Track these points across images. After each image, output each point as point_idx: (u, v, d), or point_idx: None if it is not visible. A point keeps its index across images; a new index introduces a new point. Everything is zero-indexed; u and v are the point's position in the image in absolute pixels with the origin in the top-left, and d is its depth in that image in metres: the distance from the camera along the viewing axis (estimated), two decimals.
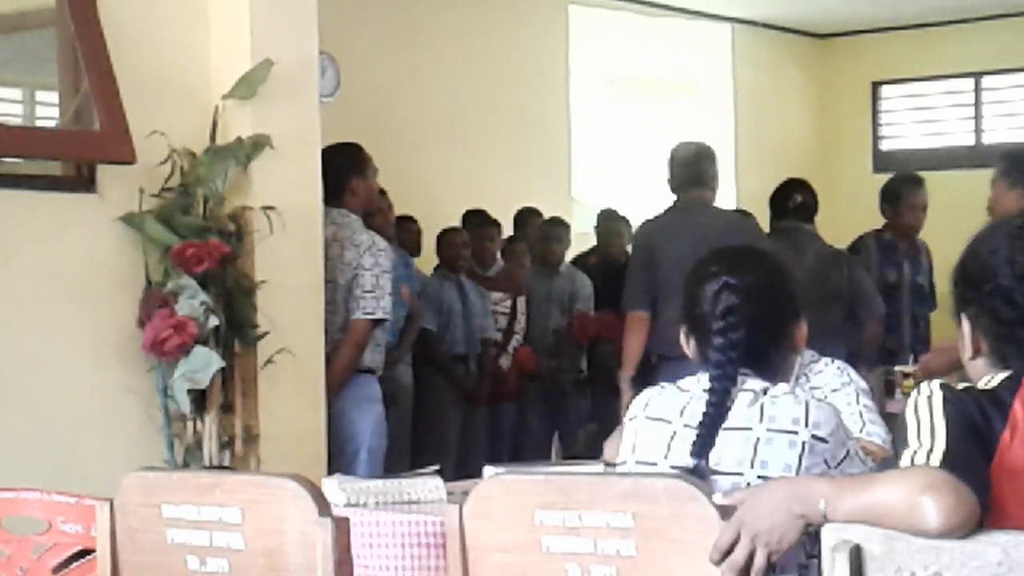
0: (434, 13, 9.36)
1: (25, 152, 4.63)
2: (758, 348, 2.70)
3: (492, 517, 2.50)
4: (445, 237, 7.51)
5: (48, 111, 5.17)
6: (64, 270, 4.57)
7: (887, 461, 3.12)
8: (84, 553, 2.90)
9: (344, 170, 5.40)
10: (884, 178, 12.05)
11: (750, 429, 2.61)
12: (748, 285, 2.70)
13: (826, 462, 2.60)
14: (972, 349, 2.18)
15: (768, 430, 2.60)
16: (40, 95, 5.22)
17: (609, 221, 8.58)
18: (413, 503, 3.25)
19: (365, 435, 5.33)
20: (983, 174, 9.74)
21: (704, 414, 2.65)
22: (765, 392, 2.67)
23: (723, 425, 2.63)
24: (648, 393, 2.82)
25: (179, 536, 2.64)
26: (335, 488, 3.23)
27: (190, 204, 4.69)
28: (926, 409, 2.09)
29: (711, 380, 2.67)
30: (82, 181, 4.63)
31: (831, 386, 3.60)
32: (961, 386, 2.13)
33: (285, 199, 4.82)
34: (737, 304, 2.67)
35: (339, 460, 5.19)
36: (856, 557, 1.91)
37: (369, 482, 3.30)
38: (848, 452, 2.65)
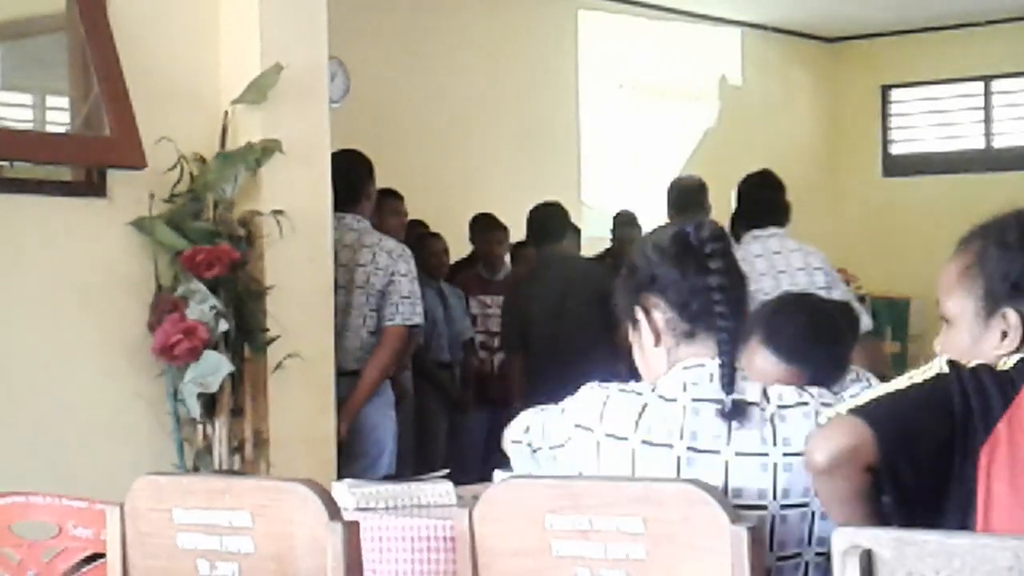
0: (444, 18, 9.37)
1: (35, 157, 4.64)
2: (732, 305, 2.63)
3: (502, 521, 2.50)
4: (426, 244, 7.42)
5: (58, 116, 5.18)
6: (74, 275, 4.58)
7: None
8: (95, 557, 2.91)
9: (361, 175, 5.49)
10: (895, 182, 12.15)
11: (767, 455, 2.50)
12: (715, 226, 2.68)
13: None
14: (1018, 341, 2.18)
15: (784, 455, 2.50)
16: (50, 100, 5.23)
17: (626, 225, 8.59)
18: (423, 507, 3.25)
19: (387, 440, 5.38)
20: (993, 177, 9.75)
21: (721, 343, 2.54)
22: (767, 398, 2.56)
23: (737, 450, 2.50)
24: (594, 403, 2.59)
25: (189, 540, 2.64)
26: (345, 492, 3.23)
27: (200, 209, 4.70)
28: (906, 377, 2.11)
29: (718, 305, 2.56)
30: (92, 186, 4.64)
31: (851, 392, 3.61)
32: (974, 363, 2.13)
33: (295, 204, 4.83)
34: (720, 232, 2.63)
35: (359, 463, 5.22)
36: (867, 562, 1.91)
37: (379, 486, 3.30)
38: None
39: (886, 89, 12.40)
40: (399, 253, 5.40)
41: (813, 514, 2.50)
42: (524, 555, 2.46)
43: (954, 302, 2.24)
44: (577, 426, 2.60)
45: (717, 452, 2.51)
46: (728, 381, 2.52)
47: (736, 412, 2.50)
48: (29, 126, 5.08)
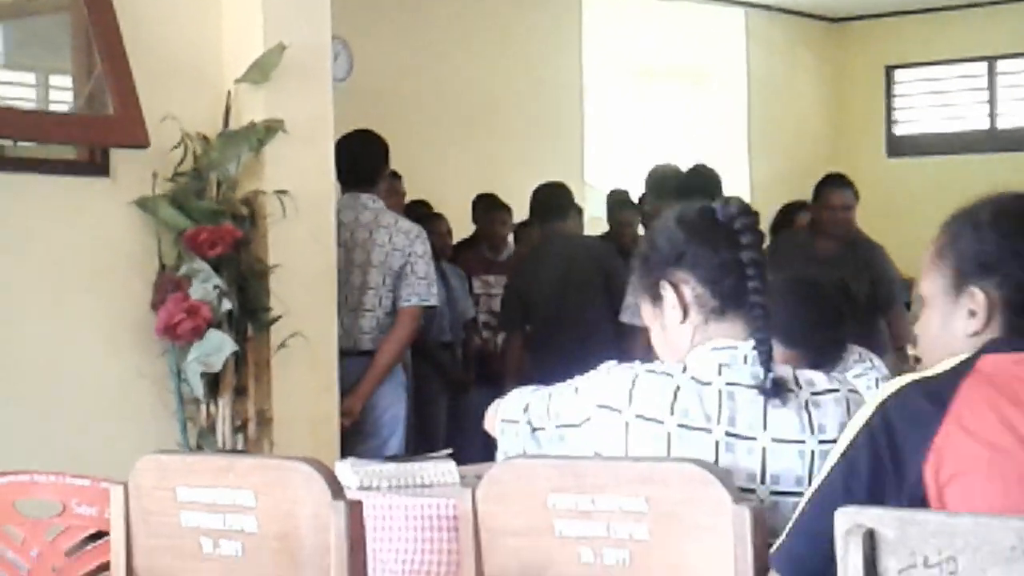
0: None
1: (39, 136, 4.64)
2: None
3: (505, 501, 2.50)
4: (428, 224, 7.38)
5: (62, 95, 5.17)
6: (77, 254, 4.58)
7: None
8: (98, 536, 2.91)
9: (377, 156, 5.54)
10: (899, 163, 12.13)
11: (803, 443, 2.47)
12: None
13: None
14: (982, 322, 2.15)
15: (820, 442, 2.47)
16: (54, 79, 5.23)
17: (621, 204, 8.54)
18: (426, 486, 3.25)
19: (397, 423, 5.40)
20: (998, 158, 9.72)
21: (756, 319, 2.52)
22: (798, 383, 2.54)
23: (774, 436, 2.47)
24: (621, 382, 2.54)
25: (193, 519, 2.65)
26: (348, 471, 3.23)
27: (203, 188, 4.70)
28: (840, 445, 2.08)
29: (751, 280, 2.53)
30: (95, 165, 4.64)
31: (853, 372, 3.63)
32: (903, 382, 2.07)
33: (298, 183, 4.83)
34: (749, 208, 2.62)
35: (369, 443, 5.24)
36: (870, 541, 1.91)
37: (382, 465, 3.30)
38: None
39: (890, 70, 12.37)
40: (416, 234, 5.42)
41: None
42: (527, 535, 2.47)
43: (927, 282, 2.22)
44: (601, 406, 2.53)
45: (754, 439, 2.47)
46: (766, 358, 2.49)
47: (777, 390, 2.47)
48: (32, 105, 5.08)
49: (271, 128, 4.75)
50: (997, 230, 2.14)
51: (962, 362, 2.07)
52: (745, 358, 2.52)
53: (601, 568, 2.39)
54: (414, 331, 5.52)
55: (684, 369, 2.53)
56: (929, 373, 2.08)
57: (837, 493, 2.04)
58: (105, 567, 2.84)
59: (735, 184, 11.37)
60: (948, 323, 2.17)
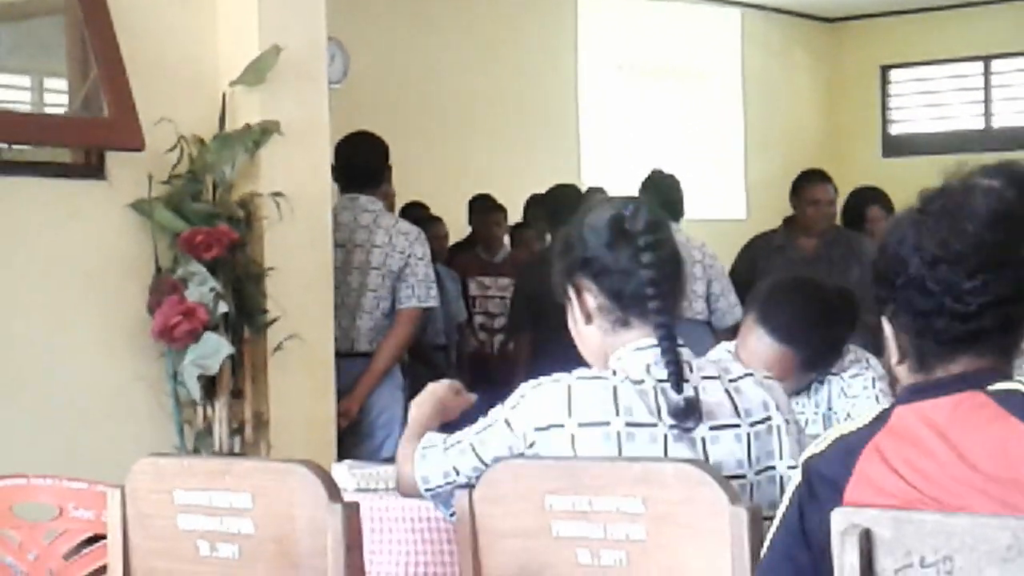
0: None
1: (34, 139, 4.64)
2: (667, 285, 2.57)
3: (502, 502, 2.50)
4: (426, 227, 7.35)
5: (57, 98, 5.17)
6: (73, 257, 4.58)
7: None
8: (95, 539, 2.91)
9: (378, 158, 5.55)
10: (894, 162, 12.13)
11: (738, 426, 2.53)
12: (652, 210, 2.60)
13: (797, 442, 2.57)
14: (898, 353, 2.10)
15: (751, 424, 2.53)
16: (49, 82, 5.22)
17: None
18: None
19: (394, 424, 5.39)
20: (992, 158, 9.55)
21: (661, 340, 2.51)
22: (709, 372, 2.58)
23: (711, 424, 2.51)
24: (555, 396, 2.54)
25: (190, 522, 2.65)
26: (345, 473, 3.23)
27: (199, 190, 4.70)
28: (780, 507, 2.06)
29: (652, 300, 2.53)
30: (91, 168, 4.63)
31: (849, 371, 3.63)
32: (834, 436, 2.05)
33: (294, 185, 4.83)
34: (656, 221, 2.57)
35: (366, 445, 5.23)
36: (866, 541, 1.91)
37: (379, 467, 3.31)
38: (796, 421, 2.62)
39: (885, 69, 12.38)
40: (415, 236, 5.43)
41: (780, 477, 2.54)
42: (524, 536, 2.47)
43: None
44: (540, 429, 2.53)
45: (694, 428, 2.51)
46: (676, 380, 2.50)
47: (689, 411, 2.49)
48: (27, 108, 5.08)
49: (267, 130, 4.75)
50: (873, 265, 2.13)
51: (879, 414, 2.05)
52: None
53: (599, 569, 2.39)
54: (413, 333, 5.52)
55: (614, 372, 2.55)
56: (851, 427, 2.06)
57: (779, 558, 2.04)
58: (102, 570, 2.84)
59: (731, 184, 11.39)
60: (887, 357, 2.15)
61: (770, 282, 3.68)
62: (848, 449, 2.01)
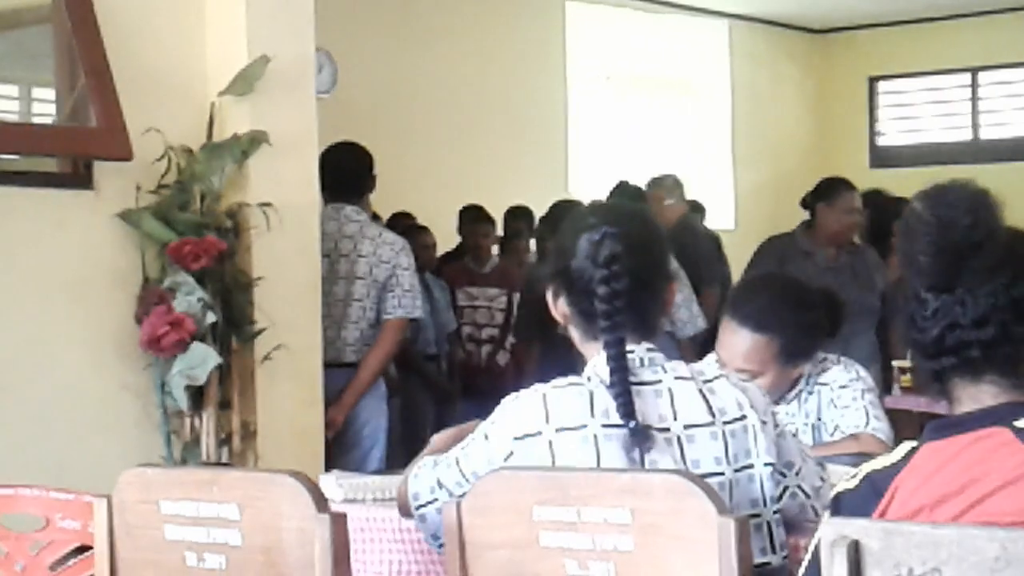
0: (431, 9, 9.37)
1: (22, 149, 4.63)
2: (639, 302, 2.59)
3: (490, 513, 2.49)
4: (413, 236, 7.37)
5: (45, 108, 5.17)
6: (61, 267, 4.57)
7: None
8: (82, 550, 2.90)
9: (363, 169, 5.56)
10: (881, 174, 12.15)
11: (712, 424, 2.55)
12: (628, 235, 2.59)
13: (774, 442, 2.59)
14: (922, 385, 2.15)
15: (724, 423, 2.56)
16: (36, 92, 5.22)
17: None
18: None
19: (379, 434, 5.40)
20: (980, 169, 9.72)
21: (611, 372, 2.53)
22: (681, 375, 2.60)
23: (685, 423, 2.54)
24: (532, 405, 2.58)
25: (177, 532, 2.64)
26: (332, 484, 3.23)
27: (187, 201, 4.69)
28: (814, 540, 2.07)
29: (603, 332, 2.55)
30: (79, 178, 4.63)
31: (839, 382, 3.63)
32: (865, 471, 2.07)
33: (282, 195, 4.82)
34: (620, 252, 2.56)
35: (351, 455, 5.23)
36: (854, 552, 1.91)
37: (367, 478, 3.30)
38: (776, 423, 2.64)
39: (873, 80, 12.42)
40: (401, 247, 5.44)
41: (760, 476, 2.57)
42: (512, 547, 2.46)
43: None
44: (518, 438, 2.57)
45: (668, 429, 2.54)
46: (624, 409, 2.51)
47: (640, 438, 2.50)
48: (15, 118, 5.08)
49: (255, 140, 4.75)
50: None
51: (908, 452, 2.06)
52: (640, 360, 2.58)
53: None
54: (398, 343, 5.53)
55: (589, 378, 2.59)
56: (881, 464, 2.08)
57: None
58: None
59: (719, 195, 11.41)
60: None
61: (741, 281, 3.74)
62: (875, 486, 2.04)
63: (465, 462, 2.65)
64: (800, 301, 3.57)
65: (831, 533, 1.93)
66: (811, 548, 2.08)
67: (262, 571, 2.55)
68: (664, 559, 2.33)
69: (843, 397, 3.61)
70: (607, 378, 2.56)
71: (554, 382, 2.60)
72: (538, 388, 2.60)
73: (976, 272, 2.02)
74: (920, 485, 2.00)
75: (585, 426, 2.53)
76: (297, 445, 4.86)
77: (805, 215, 6.82)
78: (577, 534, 2.38)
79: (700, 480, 2.36)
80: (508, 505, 2.46)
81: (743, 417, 2.57)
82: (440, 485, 2.69)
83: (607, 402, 2.54)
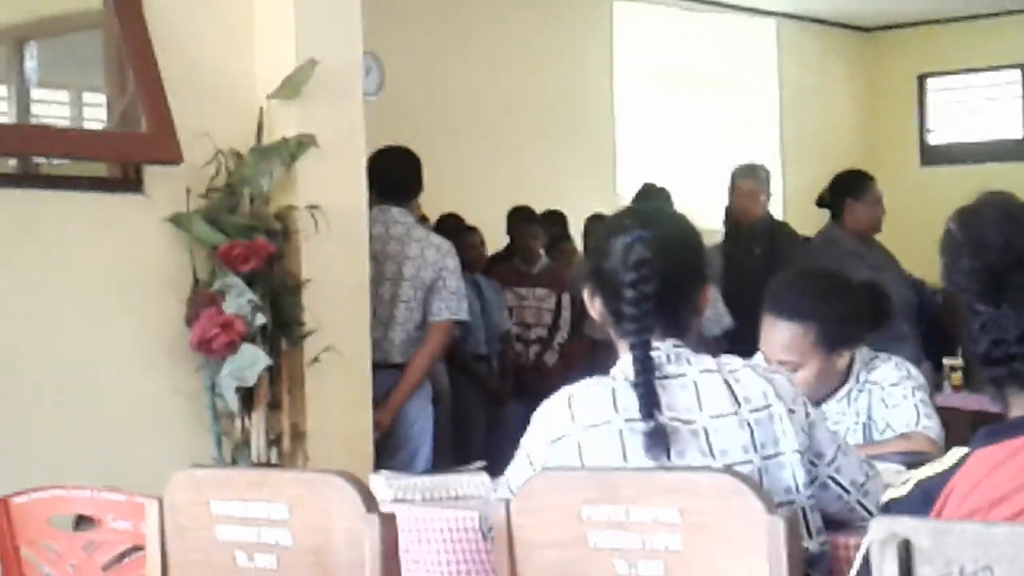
0: (478, 11, 9.37)
1: (73, 153, 4.67)
2: (668, 304, 2.64)
3: (539, 513, 2.50)
4: (463, 237, 7.39)
5: (95, 113, 5.20)
6: (112, 271, 4.60)
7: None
8: (134, 550, 2.92)
9: (411, 172, 5.59)
10: (932, 171, 12.09)
11: (737, 413, 2.58)
12: (660, 239, 2.65)
13: (803, 430, 2.61)
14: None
15: (751, 411, 2.58)
16: (87, 97, 5.26)
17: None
18: (460, 498, 3.25)
19: (425, 435, 5.42)
20: None
21: (636, 373, 2.58)
22: (708, 368, 2.64)
23: (710, 414, 2.58)
24: (559, 407, 2.67)
25: (227, 533, 2.65)
26: (382, 484, 3.24)
27: (236, 203, 4.71)
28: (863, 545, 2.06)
29: (629, 335, 2.61)
30: (129, 182, 4.66)
31: (889, 380, 3.61)
32: (917, 478, 2.08)
33: (330, 198, 4.84)
34: (649, 257, 2.62)
35: (399, 456, 5.25)
36: (905, 551, 1.90)
37: (416, 478, 3.31)
38: (808, 413, 2.65)
39: (923, 78, 12.33)
40: (447, 249, 5.47)
41: (791, 462, 2.59)
42: (561, 546, 2.46)
43: None
44: (553, 441, 2.64)
45: (694, 421, 2.58)
46: (645, 410, 2.55)
47: (656, 439, 2.54)
48: (66, 123, 5.11)
49: (303, 143, 4.77)
50: None
51: (959, 459, 2.06)
52: (668, 357, 2.63)
53: None
54: (445, 345, 5.55)
55: (614, 376, 2.65)
56: (931, 471, 2.08)
57: None
58: None
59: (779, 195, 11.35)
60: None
61: (777, 276, 3.74)
62: (927, 494, 2.04)
63: (513, 477, 2.73)
64: (835, 289, 3.58)
65: (881, 532, 1.92)
66: (861, 550, 2.07)
67: (312, 571, 2.56)
68: (713, 558, 2.32)
69: (893, 395, 3.59)
70: (632, 376, 2.60)
71: (580, 383, 2.67)
72: (564, 390, 2.67)
73: (1016, 289, 2.02)
74: (971, 491, 1.99)
75: (609, 422, 2.59)
76: (346, 446, 4.87)
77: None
78: (626, 533, 2.38)
79: (748, 478, 2.36)
80: (557, 505, 2.47)
81: (768, 406, 2.59)
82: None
83: (630, 398, 2.58)
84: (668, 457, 2.54)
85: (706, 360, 2.66)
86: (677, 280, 2.68)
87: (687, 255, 2.74)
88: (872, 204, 6.63)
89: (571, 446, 2.61)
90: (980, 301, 2.04)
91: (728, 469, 2.43)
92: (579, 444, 2.60)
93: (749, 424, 2.57)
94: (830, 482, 2.65)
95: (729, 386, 2.60)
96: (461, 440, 7.05)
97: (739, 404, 2.59)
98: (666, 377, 2.61)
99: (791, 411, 2.61)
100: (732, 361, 2.68)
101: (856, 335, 3.58)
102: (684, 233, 2.78)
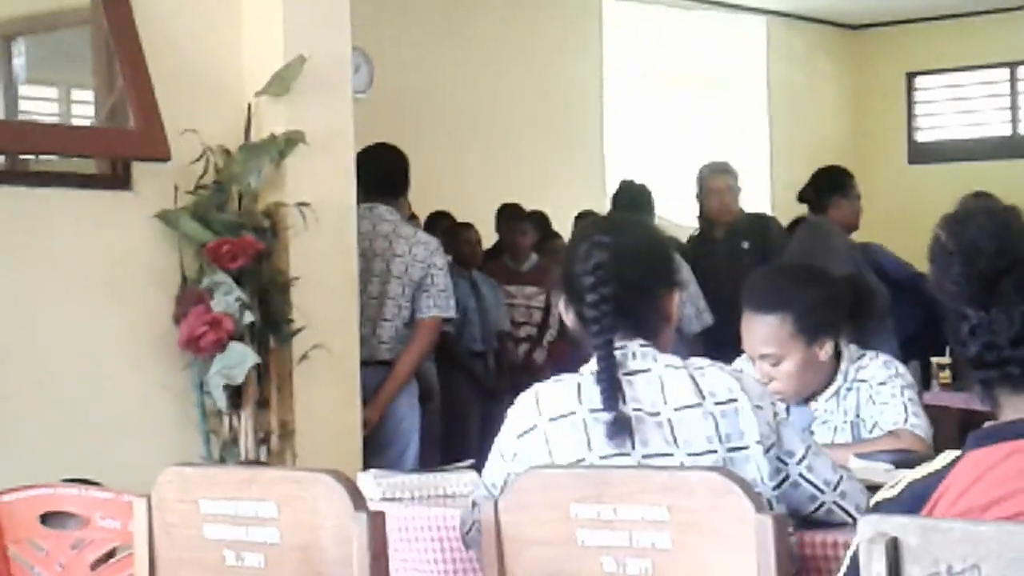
0: (468, 8, 9.37)
1: (61, 150, 4.66)
2: (629, 306, 2.68)
3: (528, 511, 2.50)
4: (458, 233, 7.42)
5: (83, 109, 5.20)
6: (100, 267, 4.59)
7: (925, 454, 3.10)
8: (122, 549, 2.92)
9: (398, 170, 5.59)
10: (920, 169, 12.10)
11: (701, 405, 2.61)
12: (619, 245, 2.70)
13: (769, 425, 2.62)
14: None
15: (715, 403, 2.61)
16: (75, 93, 5.25)
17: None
18: (449, 497, 3.25)
19: (413, 433, 5.42)
20: (1019, 164, 9.64)
21: (600, 369, 2.63)
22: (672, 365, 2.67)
23: (675, 406, 2.60)
24: (527, 403, 2.73)
25: (215, 531, 2.65)
26: (371, 482, 3.23)
27: (225, 201, 4.71)
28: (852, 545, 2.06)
29: (592, 335, 2.66)
30: (117, 179, 4.65)
31: (877, 379, 3.61)
32: (908, 479, 2.08)
33: (319, 195, 4.84)
34: (606, 260, 2.66)
35: (387, 453, 5.25)
36: (893, 549, 1.90)
37: (404, 476, 3.31)
38: (776, 412, 2.68)
39: (911, 76, 12.35)
40: (435, 247, 5.48)
41: (754, 456, 2.59)
42: (549, 544, 2.47)
43: None
44: (520, 435, 2.70)
45: (659, 413, 2.61)
46: (607, 401, 2.59)
47: (618, 428, 2.58)
48: (54, 119, 5.11)
49: (292, 140, 4.76)
50: None
51: (950, 461, 2.06)
52: (633, 354, 2.67)
53: None
54: (433, 342, 5.56)
55: (581, 373, 2.70)
56: (922, 473, 2.08)
57: None
58: None
59: (756, 191, 11.37)
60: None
61: (751, 273, 3.76)
62: (917, 495, 2.04)
63: (487, 475, 2.80)
64: (809, 278, 3.61)
65: (869, 530, 1.92)
66: (850, 550, 2.07)
67: (300, 569, 2.55)
68: (702, 556, 2.33)
69: (882, 393, 3.59)
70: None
71: (549, 379, 2.73)
72: (534, 387, 2.74)
73: (1007, 294, 2.03)
74: (962, 494, 1.99)
75: (574, 412, 2.64)
76: (335, 444, 4.87)
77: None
78: (615, 531, 2.38)
79: (738, 477, 2.36)
80: (546, 503, 2.47)
81: (734, 399, 2.62)
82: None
83: (595, 391, 2.63)
84: (632, 446, 2.58)
85: (672, 358, 2.70)
86: (638, 283, 2.72)
87: (648, 259, 2.78)
88: (856, 200, 6.67)
89: (538, 438, 2.66)
90: (970, 306, 2.04)
91: (719, 468, 2.43)
92: (546, 435, 2.65)
93: (714, 416, 2.60)
94: (802, 480, 2.65)
95: (694, 380, 2.64)
96: (455, 437, 7.04)
97: (703, 397, 2.62)
98: (632, 373, 2.66)
99: (757, 407, 2.62)
100: (699, 360, 2.72)
101: (834, 322, 3.58)
102: (647, 239, 2.85)
